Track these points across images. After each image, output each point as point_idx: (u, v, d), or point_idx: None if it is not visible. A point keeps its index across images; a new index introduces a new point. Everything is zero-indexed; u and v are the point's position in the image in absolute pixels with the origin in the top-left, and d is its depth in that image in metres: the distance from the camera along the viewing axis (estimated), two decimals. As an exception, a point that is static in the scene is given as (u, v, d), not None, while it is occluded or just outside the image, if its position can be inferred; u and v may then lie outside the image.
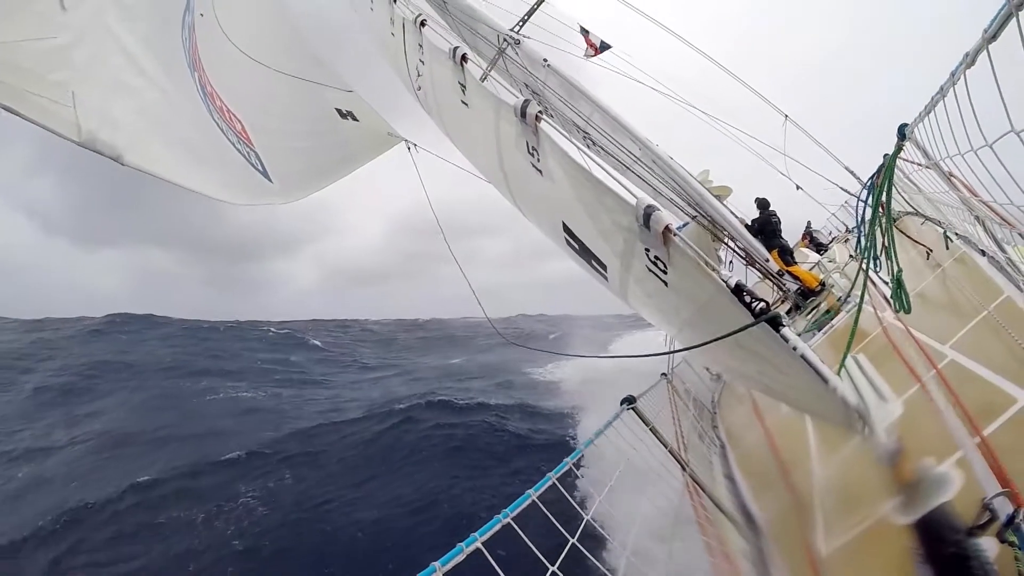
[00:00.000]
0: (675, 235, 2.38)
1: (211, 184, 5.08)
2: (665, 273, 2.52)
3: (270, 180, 6.24)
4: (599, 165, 2.58)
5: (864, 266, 3.77)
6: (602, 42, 9.03)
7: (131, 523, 10.44)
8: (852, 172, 9.51)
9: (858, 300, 5.37)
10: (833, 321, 6.66)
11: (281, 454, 13.43)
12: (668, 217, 2.36)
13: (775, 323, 2.25)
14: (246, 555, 8.85)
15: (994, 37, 2.31)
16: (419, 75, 5.81)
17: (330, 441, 14.26)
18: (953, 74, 2.87)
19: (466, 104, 4.20)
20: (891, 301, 3.90)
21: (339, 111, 7.72)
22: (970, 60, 2.60)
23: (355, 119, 7.79)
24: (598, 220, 2.80)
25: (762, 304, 2.27)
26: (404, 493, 10.58)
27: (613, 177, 2.53)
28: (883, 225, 3.97)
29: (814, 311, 7.19)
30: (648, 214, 2.37)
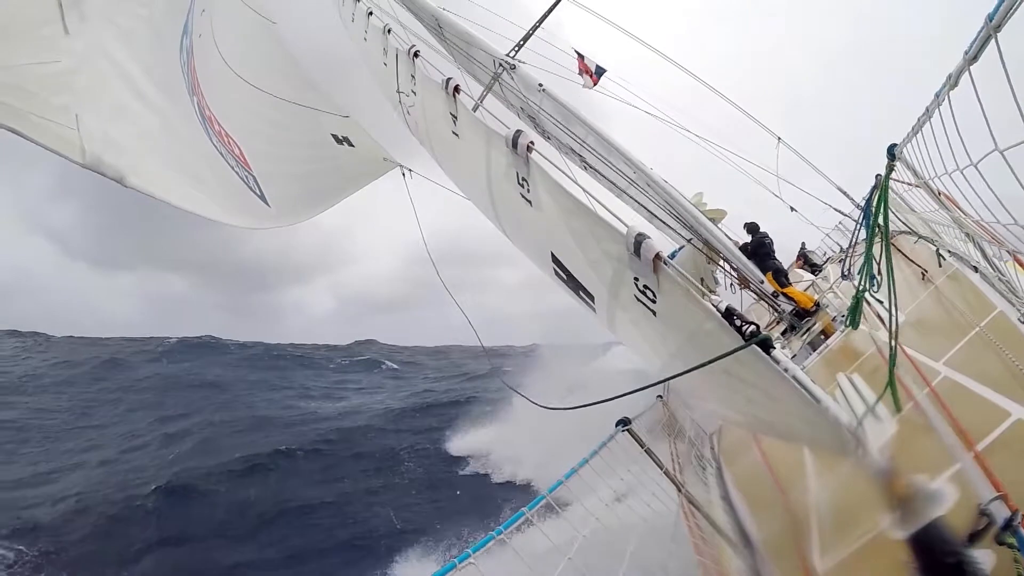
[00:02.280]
0: (665, 263, 2.41)
1: (211, 206, 5.13)
2: (654, 302, 2.54)
3: (267, 204, 6.30)
4: (589, 195, 2.62)
5: (859, 286, 3.82)
6: (597, 67, 9.15)
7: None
8: (845, 193, 9.60)
9: (851, 320, 5.40)
10: (828, 341, 6.69)
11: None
12: (658, 245, 2.39)
13: (765, 345, 2.26)
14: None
15: (975, 58, 2.36)
16: (411, 104, 5.88)
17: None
18: (938, 95, 2.92)
19: (457, 135, 4.25)
20: (848, 316, 3.95)
21: (335, 136, 7.80)
22: (953, 81, 2.66)
23: (351, 144, 7.87)
24: (587, 250, 2.83)
25: (752, 327, 2.29)
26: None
27: (604, 206, 2.56)
28: (880, 244, 4.03)
29: (809, 331, 7.22)
30: (639, 242, 2.40)
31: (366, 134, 7.89)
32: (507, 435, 18.16)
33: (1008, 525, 2.20)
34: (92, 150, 3.53)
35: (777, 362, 2.18)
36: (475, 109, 4.17)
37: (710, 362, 2.31)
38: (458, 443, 19.03)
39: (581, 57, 9.28)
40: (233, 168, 6.05)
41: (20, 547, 11.40)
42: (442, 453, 18.25)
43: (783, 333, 7.54)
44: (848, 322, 3.86)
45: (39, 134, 3.22)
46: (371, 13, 7.54)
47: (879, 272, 4.32)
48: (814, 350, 6.87)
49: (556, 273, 3.88)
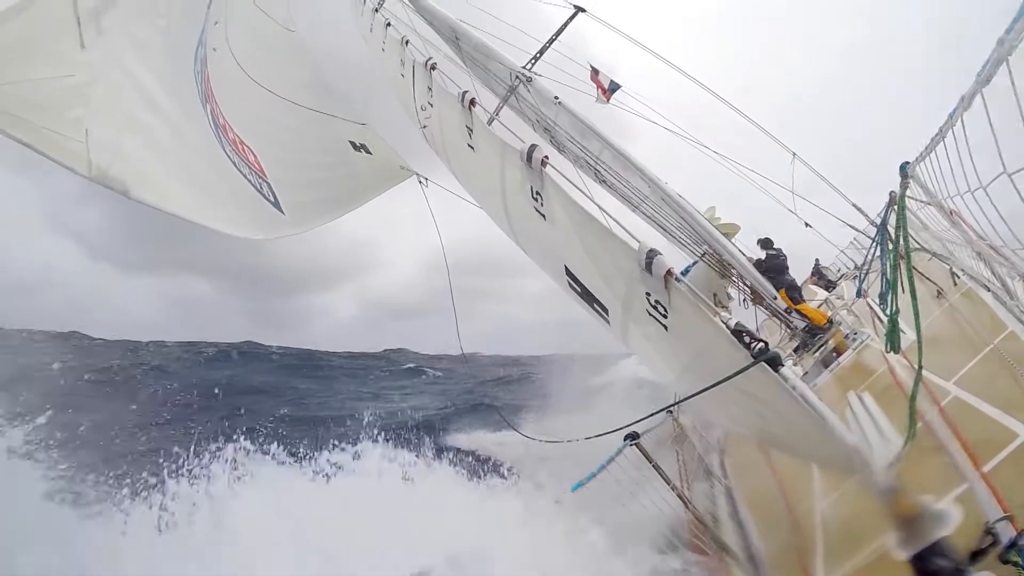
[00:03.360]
0: (676, 279, 2.44)
1: (219, 219, 5.17)
2: (665, 317, 2.57)
3: (282, 211, 6.37)
4: (603, 210, 2.66)
5: (890, 309, 3.80)
6: (611, 82, 9.18)
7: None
8: (860, 210, 9.53)
9: (864, 337, 5.35)
10: (840, 359, 6.64)
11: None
12: (669, 262, 2.42)
13: (774, 363, 2.27)
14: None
15: (987, 80, 2.38)
16: (428, 116, 5.95)
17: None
18: (951, 116, 2.94)
19: (472, 148, 4.31)
20: (886, 341, 3.92)
21: (352, 143, 7.87)
22: (966, 104, 2.68)
23: (368, 152, 7.94)
24: (600, 264, 2.87)
25: (761, 345, 2.31)
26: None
27: (616, 221, 2.60)
28: (895, 263, 4.02)
29: (822, 348, 7.18)
30: (650, 259, 2.44)
31: (383, 142, 7.96)
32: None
33: (1013, 544, 2.21)
34: (99, 163, 3.61)
35: (785, 379, 2.20)
36: (490, 123, 4.21)
37: (719, 383, 2.33)
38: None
39: (595, 72, 9.31)
40: (246, 176, 6.12)
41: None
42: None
43: (795, 350, 7.51)
44: (888, 348, 3.83)
45: (49, 148, 3.29)
46: (389, 24, 7.64)
47: (901, 291, 4.31)
48: (826, 367, 6.83)
49: (570, 286, 3.91)
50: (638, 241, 2.51)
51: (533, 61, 8.75)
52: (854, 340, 6.82)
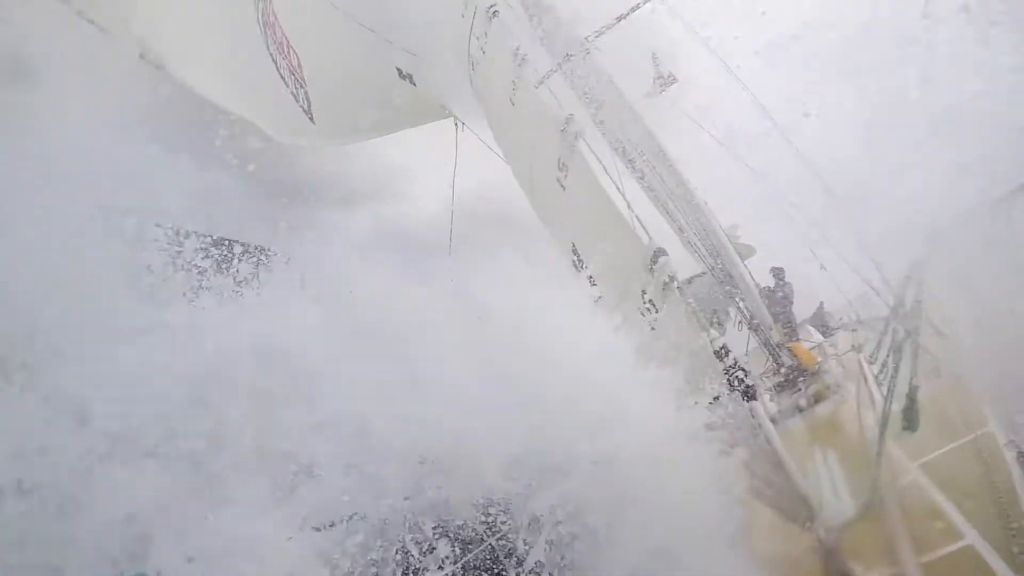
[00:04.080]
0: (678, 286, 2.41)
1: (250, 109, 5.12)
2: (655, 317, 2.55)
3: (312, 121, 6.31)
4: (623, 196, 2.61)
5: (861, 360, 3.76)
6: (670, 74, 9.02)
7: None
8: (877, 268, 9.42)
9: (846, 394, 5.34)
10: (816, 407, 6.60)
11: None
12: (674, 266, 2.39)
13: (748, 394, 2.27)
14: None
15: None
16: (477, 61, 5.82)
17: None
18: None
19: (513, 103, 4.23)
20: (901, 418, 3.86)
21: (399, 70, 7.73)
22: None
23: (413, 83, 7.81)
24: (605, 248, 2.83)
25: (741, 373, 2.30)
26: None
27: (633, 211, 2.56)
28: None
29: (801, 392, 7.14)
30: (656, 258, 2.41)
31: (431, 76, 7.81)
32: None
33: None
34: (143, 36, 3.58)
35: (752, 414, 2.19)
36: (538, 86, 4.13)
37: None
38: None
39: (656, 63, 9.13)
40: (284, 77, 6.03)
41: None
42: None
43: (778, 385, 7.48)
44: (904, 426, 3.79)
45: (106, 21, 3.27)
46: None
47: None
48: (801, 412, 6.81)
49: (573, 264, 3.88)
50: (649, 236, 2.47)
51: (595, 35, 8.54)
52: (835, 393, 6.77)
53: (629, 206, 2.66)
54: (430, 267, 6.21)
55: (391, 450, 4.53)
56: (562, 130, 3.00)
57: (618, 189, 2.77)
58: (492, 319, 4.74)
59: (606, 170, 3.06)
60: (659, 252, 2.39)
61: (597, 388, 3.95)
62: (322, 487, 4.41)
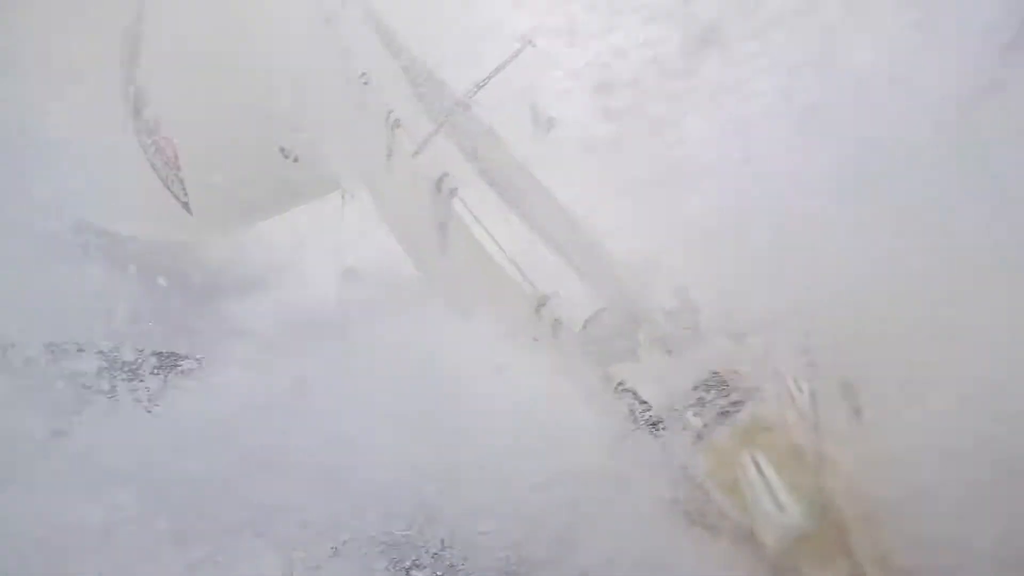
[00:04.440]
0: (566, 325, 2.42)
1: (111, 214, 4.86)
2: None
3: (189, 211, 6.05)
4: (501, 248, 2.62)
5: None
6: (548, 118, 9.28)
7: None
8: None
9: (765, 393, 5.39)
10: (739, 413, 6.69)
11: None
12: (560, 309, 2.39)
13: (654, 427, 2.28)
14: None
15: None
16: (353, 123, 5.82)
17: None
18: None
19: (388, 170, 4.23)
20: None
21: (283, 149, 7.58)
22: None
23: (295, 160, 7.66)
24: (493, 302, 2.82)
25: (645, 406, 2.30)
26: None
27: (515, 263, 2.56)
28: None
29: (723, 401, 7.27)
30: (543, 302, 2.41)
31: (314, 150, 7.68)
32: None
33: None
34: None
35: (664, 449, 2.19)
36: (416, 154, 4.13)
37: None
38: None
39: (534, 109, 9.39)
40: (154, 165, 5.78)
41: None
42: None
43: (698, 400, 7.59)
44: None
45: None
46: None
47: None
48: (726, 418, 6.90)
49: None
50: (532, 285, 2.48)
51: (476, 89, 8.69)
52: (755, 394, 6.92)
53: (511, 258, 2.67)
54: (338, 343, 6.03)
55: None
56: (437, 190, 3.00)
57: (495, 241, 2.78)
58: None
59: (482, 225, 3.07)
60: (544, 298, 2.40)
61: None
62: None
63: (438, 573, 3.95)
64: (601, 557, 3.41)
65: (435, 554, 3.97)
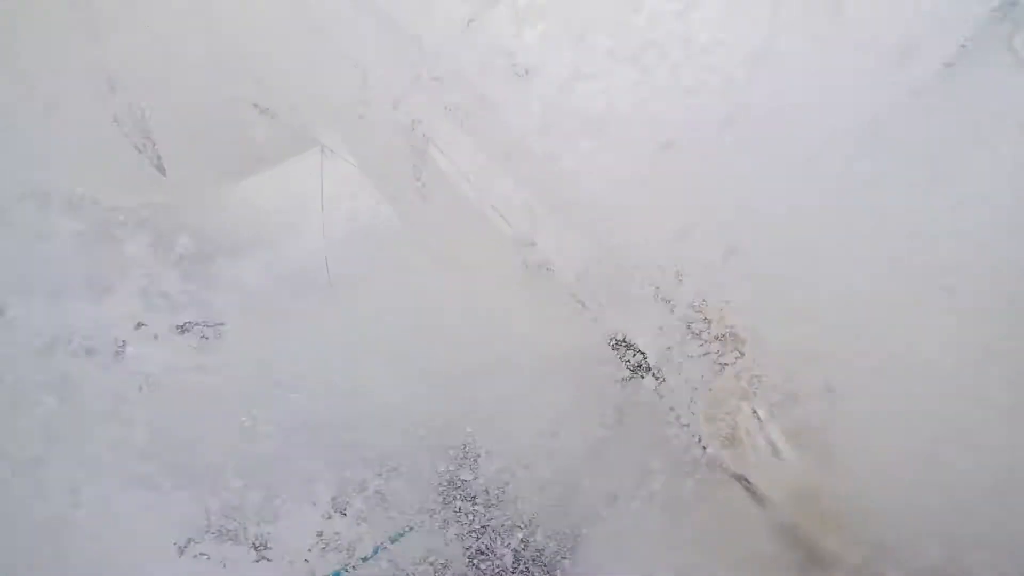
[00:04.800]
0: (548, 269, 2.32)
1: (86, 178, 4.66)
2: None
3: (163, 173, 5.86)
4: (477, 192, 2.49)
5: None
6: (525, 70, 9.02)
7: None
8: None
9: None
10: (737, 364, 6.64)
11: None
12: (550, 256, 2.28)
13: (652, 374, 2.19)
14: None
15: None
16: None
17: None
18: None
19: (360, 116, 4.07)
20: None
21: (257, 105, 7.31)
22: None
23: (271, 116, 7.40)
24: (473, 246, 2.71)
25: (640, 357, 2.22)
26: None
27: (494, 205, 2.44)
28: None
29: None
30: (527, 249, 2.29)
31: (290, 103, 7.38)
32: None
33: None
34: None
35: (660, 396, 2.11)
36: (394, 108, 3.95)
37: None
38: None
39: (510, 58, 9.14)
40: (126, 132, 5.55)
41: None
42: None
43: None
44: None
45: None
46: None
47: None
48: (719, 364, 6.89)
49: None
50: (510, 226, 2.35)
51: (453, 38, 8.39)
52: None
53: (494, 207, 2.54)
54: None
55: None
56: (412, 139, 2.86)
57: (470, 183, 2.64)
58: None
59: (458, 167, 2.94)
60: (531, 244, 2.28)
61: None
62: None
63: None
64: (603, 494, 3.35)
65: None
